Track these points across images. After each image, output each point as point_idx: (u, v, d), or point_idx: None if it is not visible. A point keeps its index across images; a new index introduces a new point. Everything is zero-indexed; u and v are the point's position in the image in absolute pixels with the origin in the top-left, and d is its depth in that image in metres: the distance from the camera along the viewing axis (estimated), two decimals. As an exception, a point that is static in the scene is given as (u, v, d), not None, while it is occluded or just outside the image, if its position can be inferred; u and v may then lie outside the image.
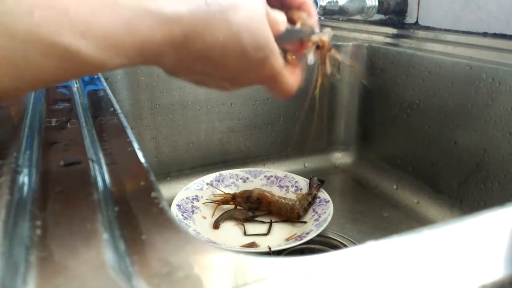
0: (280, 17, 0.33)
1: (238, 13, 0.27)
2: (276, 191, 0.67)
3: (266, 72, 0.31)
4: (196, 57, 0.27)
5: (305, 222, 0.60)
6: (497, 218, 0.22)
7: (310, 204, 0.62)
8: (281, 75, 0.32)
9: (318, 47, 0.37)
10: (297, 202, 0.61)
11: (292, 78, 0.34)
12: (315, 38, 0.36)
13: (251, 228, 0.61)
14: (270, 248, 0.53)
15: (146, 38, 0.23)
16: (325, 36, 0.36)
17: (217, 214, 0.63)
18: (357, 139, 0.83)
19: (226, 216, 0.63)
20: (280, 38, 0.32)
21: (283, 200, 0.62)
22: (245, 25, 0.27)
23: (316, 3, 0.72)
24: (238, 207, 0.64)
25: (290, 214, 0.61)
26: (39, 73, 0.22)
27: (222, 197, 0.64)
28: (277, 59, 0.31)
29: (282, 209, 0.61)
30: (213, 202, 0.64)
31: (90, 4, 0.22)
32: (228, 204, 0.64)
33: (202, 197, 0.66)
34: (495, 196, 0.56)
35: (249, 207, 0.63)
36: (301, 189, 0.68)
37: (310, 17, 0.36)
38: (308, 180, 0.68)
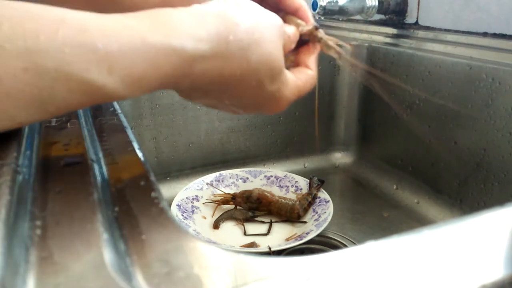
0: (293, 36, 0.33)
1: (258, 49, 0.28)
2: (276, 191, 0.67)
3: (278, 102, 0.32)
4: (212, 88, 0.28)
5: (305, 222, 0.60)
6: (497, 218, 0.22)
7: (310, 204, 0.62)
8: (297, 93, 0.33)
9: (318, 40, 0.37)
10: (297, 202, 0.61)
11: (309, 80, 0.34)
12: (319, 34, 0.36)
13: (251, 228, 0.61)
14: (270, 248, 0.53)
15: (167, 73, 0.24)
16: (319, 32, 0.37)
17: (217, 214, 0.63)
18: (357, 139, 0.83)
19: (226, 216, 0.63)
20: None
21: (283, 200, 0.62)
22: (264, 60, 0.28)
23: (316, 3, 0.72)
24: (238, 207, 0.64)
25: (290, 214, 0.61)
26: (63, 106, 0.22)
27: (222, 197, 0.64)
28: (288, 86, 0.32)
29: (282, 209, 0.61)
30: (213, 202, 0.64)
31: (118, 41, 0.22)
32: (228, 204, 0.64)
33: (202, 197, 0.66)
34: (495, 196, 0.56)
35: (249, 207, 0.63)
36: (301, 189, 0.68)
37: (307, 23, 0.37)
38: (308, 180, 0.68)
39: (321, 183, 0.66)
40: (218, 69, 0.27)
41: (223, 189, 0.68)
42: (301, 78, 0.34)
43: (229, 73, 0.27)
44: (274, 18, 0.30)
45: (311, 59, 0.36)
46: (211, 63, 0.26)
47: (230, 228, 0.61)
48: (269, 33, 0.29)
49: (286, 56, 0.34)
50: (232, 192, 0.66)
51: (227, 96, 0.30)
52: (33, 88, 0.21)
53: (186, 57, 0.25)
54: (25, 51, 0.20)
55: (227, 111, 0.34)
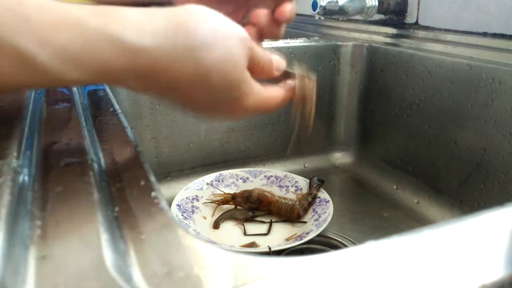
0: (275, 63, 0.33)
1: (209, 54, 0.27)
2: (276, 191, 0.67)
3: (237, 111, 0.31)
4: (163, 88, 0.28)
5: (305, 222, 0.60)
6: (497, 218, 0.22)
7: (310, 204, 0.62)
8: (260, 107, 0.32)
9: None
10: (297, 202, 0.61)
11: (276, 98, 0.34)
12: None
13: (251, 228, 0.61)
14: (270, 248, 0.53)
15: (105, 60, 0.24)
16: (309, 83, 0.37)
17: (217, 214, 0.63)
18: (357, 139, 0.83)
19: (226, 216, 0.63)
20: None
21: (283, 200, 0.62)
22: (216, 66, 0.28)
23: (316, 3, 0.72)
24: (238, 207, 0.64)
25: (290, 214, 0.61)
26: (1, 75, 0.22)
27: (222, 197, 0.64)
28: (250, 99, 0.31)
29: (282, 209, 0.61)
30: (213, 202, 0.64)
31: (53, 18, 0.23)
32: (228, 204, 0.64)
33: (202, 197, 0.66)
34: (495, 196, 0.56)
35: (249, 207, 0.63)
36: (301, 189, 0.68)
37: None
38: (308, 180, 0.68)
39: (321, 183, 0.66)
40: (164, 67, 0.26)
41: (223, 189, 0.68)
42: (271, 92, 0.34)
43: (177, 74, 0.27)
44: (236, 30, 0.29)
45: (287, 84, 0.36)
46: (155, 59, 0.26)
47: (230, 228, 0.61)
48: (226, 42, 0.28)
49: (261, 80, 0.33)
50: (232, 192, 0.65)
51: (181, 98, 0.29)
52: None
53: (125, 48, 0.24)
54: None
55: (193, 115, 0.34)
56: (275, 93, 0.34)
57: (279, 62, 0.34)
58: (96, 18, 0.24)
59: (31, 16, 0.22)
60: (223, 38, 0.28)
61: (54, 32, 0.23)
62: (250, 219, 0.62)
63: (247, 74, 0.30)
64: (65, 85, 0.26)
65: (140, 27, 0.25)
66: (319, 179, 0.67)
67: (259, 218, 0.63)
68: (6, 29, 0.21)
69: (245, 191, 0.64)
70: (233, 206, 0.64)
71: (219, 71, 0.28)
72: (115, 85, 0.28)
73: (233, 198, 0.64)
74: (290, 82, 0.36)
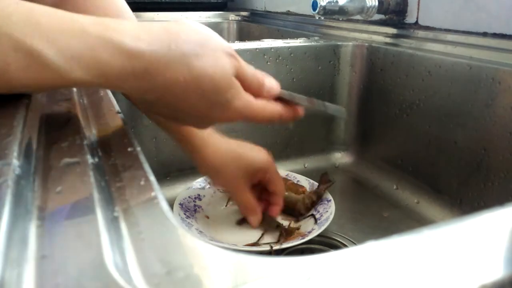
0: (267, 86, 0.37)
1: (200, 60, 0.31)
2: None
3: (228, 114, 0.34)
4: (159, 91, 0.31)
5: (298, 228, 0.59)
6: (497, 218, 0.22)
7: (314, 203, 0.62)
8: (250, 111, 0.35)
9: None
10: (300, 201, 0.61)
11: (267, 109, 0.37)
12: None
13: (261, 228, 0.60)
14: (271, 247, 0.53)
15: (106, 61, 0.27)
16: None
17: (227, 206, 0.65)
18: (357, 139, 0.83)
19: None
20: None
21: (287, 197, 0.62)
22: (207, 71, 0.31)
23: (316, 3, 0.72)
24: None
25: (292, 212, 0.61)
26: (7, 67, 0.25)
27: None
28: (238, 103, 0.34)
29: (285, 206, 0.61)
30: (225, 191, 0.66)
31: (59, 23, 0.26)
32: None
33: (204, 196, 0.66)
34: (495, 196, 0.56)
35: None
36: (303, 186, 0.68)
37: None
38: (309, 180, 0.68)
39: (331, 184, 0.65)
40: (161, 72, 0.29)
41: (223, 189, 0.68)
42: (260, 103, 0.36)
43: (172, 78, 0.30)
44: (223, 43, 0.33)
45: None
46: (151, 63, 0.28)
47: (233, 227, 0.61)
48: (214, 51, 0.32)
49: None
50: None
51: (176, 103, 0.32)
52: None
53: (123, 51, 0.27)
54: None
55: (189, 124, 0.38)
56: (266, 105, 0.37)
57: (271, 86, 0.37)
58: (97, 26, 0.27)
59: (40, 21, 0.25)
60: (212, 48, 0.32)
61: (60, 34, 0.26)
62: (272, 228, 0.60)
63: (236, 81, 0.34)
64: (71, 85, 0.28)
65: (137, 34, 0.28)
66: (329, 179, 0.66)
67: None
68: (20, 31, 0.25)
69: None
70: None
71: (209, 75, 0.31)
72: (116, 89, 0.30)
73: None
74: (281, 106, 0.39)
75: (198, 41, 0.31)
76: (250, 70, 0.36)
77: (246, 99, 0.35)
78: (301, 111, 0.40)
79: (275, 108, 0.38)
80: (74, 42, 0.26)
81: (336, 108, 0.47)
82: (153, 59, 0.28)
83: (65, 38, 0.26)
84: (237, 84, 0.34)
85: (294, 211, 0.61)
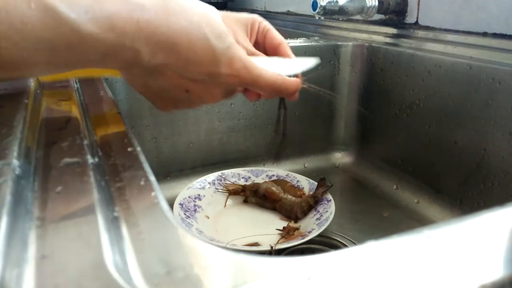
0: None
1: (195, 10, 0.33)
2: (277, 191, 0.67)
3: (236, 65, 0.35)
4: (165, 47, 0.31)
5: (298, 228, 0.59)
6: (497, 218, 0.22)
7: (311, 207, 0.62)
8: (253, 66, 0.36)
9: None
10: (297, 205, 0.62)
11: (272, 73, 0.38)
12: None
13: (256, 229, 0.60)
14: (272, 247, 0.53)
15: (113, 12, 0.28)
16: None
17: (227, 206, 0.66)
18: (357, 139, 0.83)
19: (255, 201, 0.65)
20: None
21: (285, 199, 0.62)
22: (204, 18, 0.33)
23: (316, 3, 0.72)
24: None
25: (289, 215, 0.61)
26: (23, 27, 0.25)
27: (234, 187, 0.67)
28: (241, 50, 0.35)
29: (283, 208, 0.62)
30: (224, 189, 0.67)
31: None
32: (239, 194, 0.66)
33: (204, 196, 0.66)
34: (495, 196, 0.56)
35: (256, 201, 0.64)
36: (302, 188, 0.68)
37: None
38: (309, 180, 0.68)
39: (328, 187, 0.65)
40: (163, 20, 0.31)
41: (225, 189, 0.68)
42: (262, 69, 0.37)
43: (175, 26, 0.31)
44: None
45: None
46: (154, 13, 0.30)
47: (233, 227, 0.61)
48: (203, 3, 0.34)
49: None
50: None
51: (184, 58, 0.33)
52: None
53: (127, 1, 0.29)
54: None
55: (199, 99, 0.37)
56: (268, 72, 0.38)
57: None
58: None
59: None
60: (203, 4, 0.34)
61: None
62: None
63: (227, 30, 0.35)
64: (83, 41, 0.28)
65: None
66: (327, 184, 0.66)
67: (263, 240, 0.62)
68: None
69: (255, 184, 0.65)
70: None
71: (205, 20, 0.33)
72: (126, 51, 0.30)
73: (243, 190, 0.66)
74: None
75: None
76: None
77: (245, 51, 0.36)
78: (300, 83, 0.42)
79: (275, 73, 0.38)
80: (86, 2, 0.27)
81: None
82: (155, 11, 0.30)
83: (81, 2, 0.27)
84: (226, 30, 0.35)
85: (292, 213, 0.61)
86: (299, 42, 0.78)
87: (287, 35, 0.41)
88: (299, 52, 0.76)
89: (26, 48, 0.27)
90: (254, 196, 0.64)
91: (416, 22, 0.76)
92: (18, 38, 0.26)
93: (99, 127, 0.34)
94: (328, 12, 0.73)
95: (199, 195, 0.66)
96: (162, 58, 0.32)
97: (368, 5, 0.75)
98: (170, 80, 0.35)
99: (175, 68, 0.34)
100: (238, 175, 0.71)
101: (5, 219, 0.19)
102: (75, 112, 0.36)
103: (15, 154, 0.24)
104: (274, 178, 0.71)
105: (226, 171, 0.71)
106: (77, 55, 0.29)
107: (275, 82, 0.38)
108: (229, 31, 0.35)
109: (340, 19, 0.92)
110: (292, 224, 0.59)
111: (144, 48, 0.31)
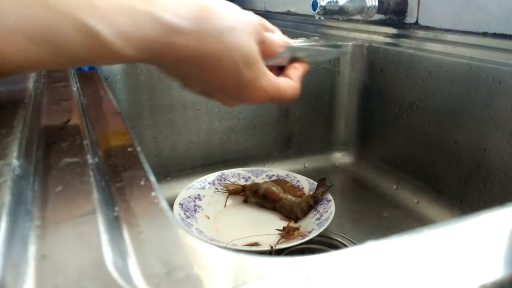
0: (276, 40, 0.39)
1: (232, 35, 0.33)
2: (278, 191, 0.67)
3: (258, 93, 0.36)
4: (193, 65, 0.33)
5: (298, 228, 0.59)
6: (497, 218, 0.22)
7: (311, 207, 0.62)
8: (277, 91, 0.38)
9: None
10: (297, 205, 0.62)
11: (290, 87, 0.39)
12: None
13: (257, 229, 0.60)
14: (272, 247, 0.53)
15: (151, 38, 0.29)
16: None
17: (227, 206, 0.66)
18: (357, 139, 0.83)
19: (255, 201, 0.65)
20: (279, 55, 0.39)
21: (285, 199, 0.62)
22: (238, 45, 0.33)
23: (316, 3, 0.72)
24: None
25: (289, 215, 0.61)
26: (68, 47, 0.27)
27: (234, 187, 0.67)
28: (266, 78, 0.36)
29: (283, 208, 0.62)
30: (224, 189, 0.67)
31: (111, 4, 0.28)
32: (239, 194, 0.66)
33: (204, 196, 0.66)
34: (495, 196, 0.56)
35: (256, 201, 0.64)
36: (302, 188, 0.68)
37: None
38: (309, 180, 0.68)
39: (329, 187, 0.65)
40: (196, 44, 0.31)
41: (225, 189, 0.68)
42: (283, 81, 0.39)
43: (207, 51, 0.32)
44: (249, 16, 0.36)
45: (295, 74, 0.41)
46: (189, 37, 0.31)
47: (233, 227, 0.61)
48: (243, 25, 0.34)
49: (268, 59, 0.38)
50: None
51: (208, 76, 0.34)
52: (45, 29, 0.26)
53: (165, 26, 0.30)
54: None
55: (219, 100, 0.39)
56: (289, 82, 0.39)
57: (279, 40, 0.40)
58: (140, 3, 0.29)
59: (94, 1, 0.28)
60: (239, 20, 0.34)
61: (112, 14, 0.28)
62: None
63: (260, 57, 0.36)
64: (120, 61, 0.30)
65: (176, 10, 0.31)
66: (327, 184, 0.66)
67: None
68: (76, 11, 0.27)
69: (255, 184, 0.65)
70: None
71: (239, 48, 0.34)
72: (155, 63, 0.32)
73: (243, 190, 0.66)
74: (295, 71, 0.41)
75: (229, 15, 0.33)
76: (275, 37, 0.39)
77: (269, 78, 0.37)
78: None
79: (296, 86, 0.40)
80: (124, 20, 0.28)
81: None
82: (191, 34, 0.31)
83: (117, 17, 0.28)
84: (261, 60, 0.36)
85: (292, 213, 0.61)
86: (299, 42, 0.78)
87: (287, 35, 0.41)
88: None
89: (59, 63, 0.28)
90: (254, 196, 0.64)
91: (416, 22, 0.76)
92: (56, 54, 0.27)
93: (99, 127, 0.34)
94: (328, 12, 0.73)
95: (199, 195, 0.66)
96: (186, 73, 0.34)
97: (368, 5, 0.75)
98: (192, 83, 0.37)
99: (198, 84, 0.36)
100: (238, 175, 0.71)
101: (5, 219, 0.19)
102: (75, 112, 0.36)
103: (15, 154, 0.24)
104: (274, 178, 0.71)
105: (226, 171, 0.71)
106: (104, 63, 0.31)
107: (295, 96, 0.40)
108: (259, 53, 0.35)
109: (340, 19, 0.92)
110: (292, 224, 0.59)
111: (172, 65, 0.33)
